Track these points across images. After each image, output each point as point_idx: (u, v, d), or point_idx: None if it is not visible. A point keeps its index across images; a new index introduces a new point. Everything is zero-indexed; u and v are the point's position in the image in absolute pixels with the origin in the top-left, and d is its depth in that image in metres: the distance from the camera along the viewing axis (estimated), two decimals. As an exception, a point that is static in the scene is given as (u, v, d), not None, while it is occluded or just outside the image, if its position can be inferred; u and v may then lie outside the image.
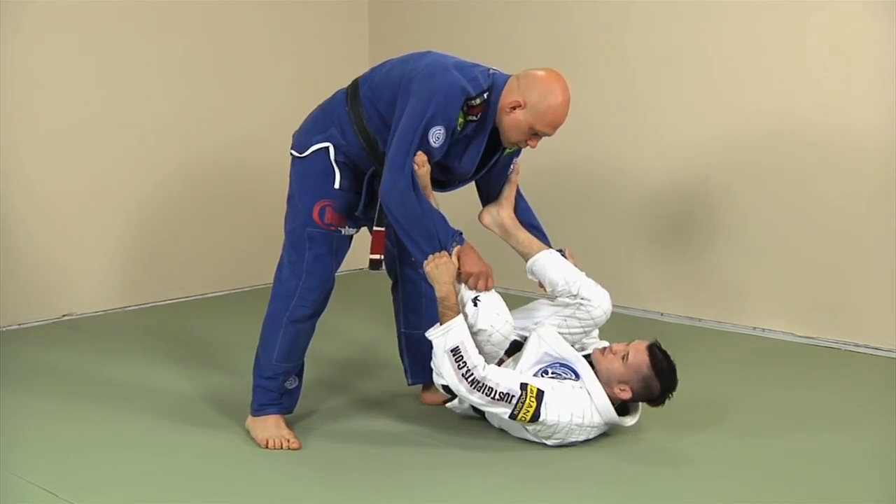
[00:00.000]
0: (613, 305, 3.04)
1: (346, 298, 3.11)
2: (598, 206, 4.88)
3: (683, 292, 4.63)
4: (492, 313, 2.88)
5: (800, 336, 4.29)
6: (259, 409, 3.06)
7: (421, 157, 2.83)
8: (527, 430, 2.93)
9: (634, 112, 4.68)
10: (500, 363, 3.01)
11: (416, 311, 3.27)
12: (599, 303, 3.03)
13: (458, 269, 2.89)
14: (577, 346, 3.07)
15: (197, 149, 4.93)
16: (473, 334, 2.86)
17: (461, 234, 2.94)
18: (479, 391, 2.80)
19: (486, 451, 2.96)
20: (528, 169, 3.30)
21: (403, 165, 2.80)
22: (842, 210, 4.14)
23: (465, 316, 2.88)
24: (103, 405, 3.35)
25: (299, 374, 3.12)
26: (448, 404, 3.07)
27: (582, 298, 3.01)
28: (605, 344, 3.09)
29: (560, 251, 3.12)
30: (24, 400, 3.40)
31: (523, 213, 3.20)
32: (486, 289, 2.92)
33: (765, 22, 4.25)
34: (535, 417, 2.83)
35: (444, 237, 2.88)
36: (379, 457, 2.94)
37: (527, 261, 3.11)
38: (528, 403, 2.80)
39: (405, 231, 2.86)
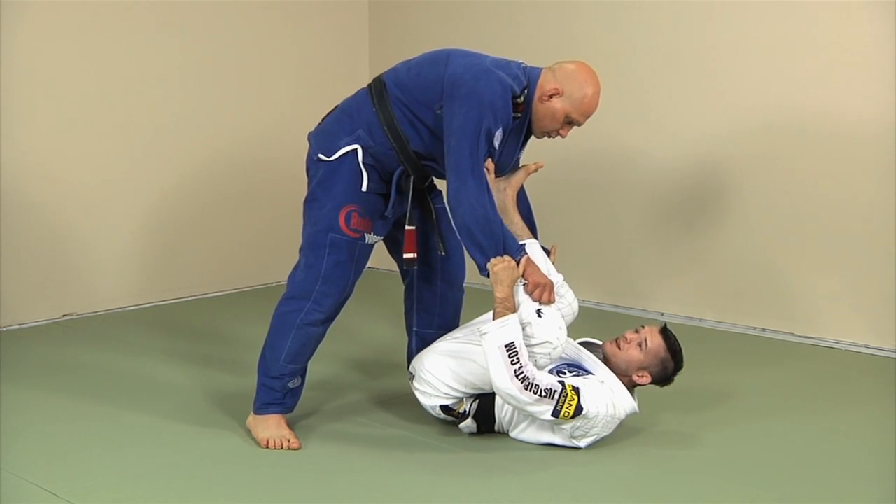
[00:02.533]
0: (613, 305, 3.06)
1: (351, 297, 3.10)
2: (598, 204, 4.88)
3: (684, 292, 4.64)
4: (555, 327, 2.89)
5: (800, 336, 4.29)
6: (262, 407, 3.06)
7: (490, 164, 2.88)
8: (563, 429, 2.91)
9: (635, 110, 4.68)
10: None
11: (430, 310, 3.27)
12: (571, 302, 3.10)
13: (523, 278, 2.91)
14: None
15: (199, 149, 4.93)
16: (533, 346, 2.86)
17: (525, 246, 2.99)
18: (528, 390, 2.76)
19: (489, 452, 2.96)
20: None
21: (471, 169, 2.81)
22: (842, 210, 4.14)
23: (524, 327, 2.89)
24: (103, 405, 3.35)
25: (303, 375, 3.12)
26: (461, 425, 3.06)
27: (558, 296, 3.05)
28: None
29: (545, 249, 3.14)
30: (25, 400, 3.40)
31: (521, 202, 3.22)
32: (549, 301, 2.94)
33: (768, 17, 4.25)
34: (579, 411, 2.82)
35: (512, 245, 2.92)
36: (379, 458, 2.94)
37: None
38: (570, 398, 2.80)
39: (470, 234, 2.86)
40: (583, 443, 2.94)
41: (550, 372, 2.95)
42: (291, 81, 5.28)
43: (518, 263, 2.90)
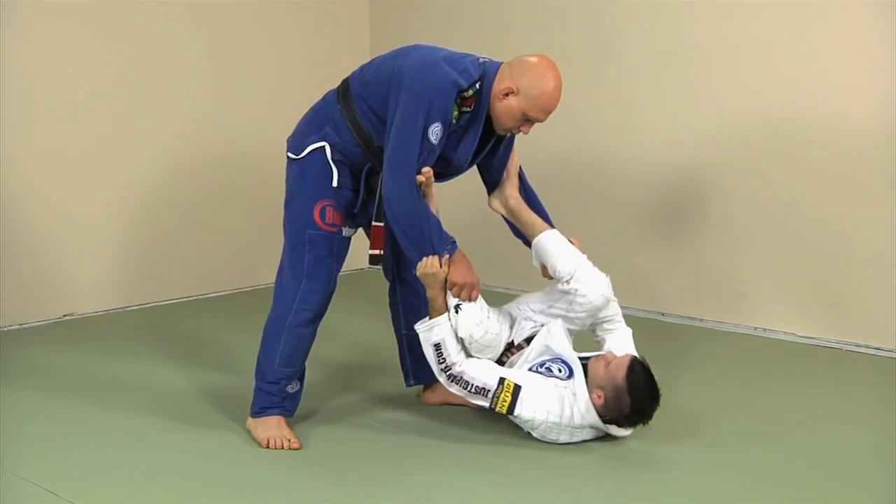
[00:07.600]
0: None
1: (345, 298, 3.11)
2: (596, 204, 4.87)
3: (684, 292, 4.63)
4: (471, 323, 2.96)
5: (800, 336, 4.29)
6: (260, 411, 3.06)
7: (427, 172, 2.87)
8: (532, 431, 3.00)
9: (631, 109, 4.69)
10: (517, 349, 3.09)
11: (416, 312, 3.26)
12: (593, 289, 3.06)
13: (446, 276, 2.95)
14: (596, 331, 3.19)
15: (198, 148, 4.93)
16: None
17: (455, 242, 2.97)
18: (455, 384, 2.97)
19: (490, 452, 2.97)
20: (524, 165, 3.29)
21: (404, 164, 2.82)
22: (842, 209, 4.14)
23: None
24: (104, 405, 3.35)
25: (301, 379, 3.13)
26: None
27: (576, 288, 3.05)
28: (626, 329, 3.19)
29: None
30: (25, 399, 3.40)
31: (533, 202, 3.22)
32: (471, 300, 2.97)
33: (761, 18, 4.25)
34: (510, 411, 2.92)
35: (437, 242, 2.92)
36: (380, 457, 2.94)
37: (531, 242, 3.15)
38: (503, 398, 2.91)
39: (402, 230, 2.89)
40: (535, 434, 3.00)
41: (544, 364, 2.98)
42: (289, 81, 5.26)
43: (443, 261, 2.92)
